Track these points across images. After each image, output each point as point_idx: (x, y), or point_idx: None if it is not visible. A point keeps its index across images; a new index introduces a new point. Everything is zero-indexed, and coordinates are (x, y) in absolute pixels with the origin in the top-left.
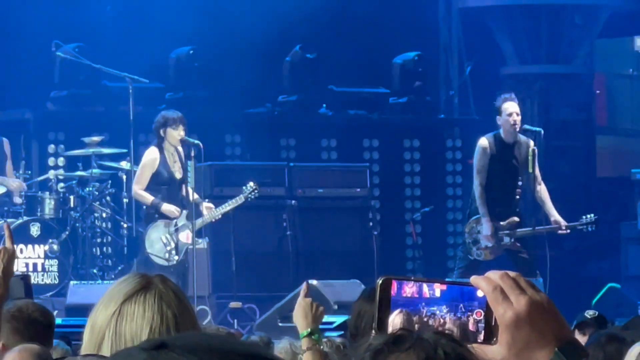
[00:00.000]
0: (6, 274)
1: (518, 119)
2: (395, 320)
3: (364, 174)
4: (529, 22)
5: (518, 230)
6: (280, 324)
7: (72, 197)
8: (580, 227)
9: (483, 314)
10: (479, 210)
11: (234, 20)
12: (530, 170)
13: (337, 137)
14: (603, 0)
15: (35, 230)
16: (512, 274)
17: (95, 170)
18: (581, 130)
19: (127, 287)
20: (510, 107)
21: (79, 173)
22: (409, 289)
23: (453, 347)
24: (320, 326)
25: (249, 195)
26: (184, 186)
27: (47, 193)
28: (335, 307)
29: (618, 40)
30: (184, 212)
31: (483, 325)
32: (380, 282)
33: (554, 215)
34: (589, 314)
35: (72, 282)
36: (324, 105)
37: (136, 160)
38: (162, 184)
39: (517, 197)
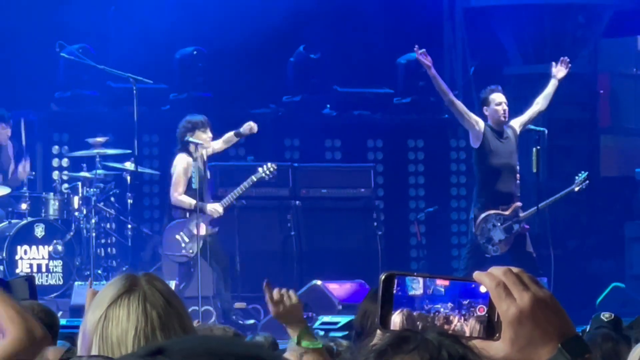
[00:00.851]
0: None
1: (507, 108)
2: (395, 319)
3: (368, 174)
4: (532, 22)
5: (522, 214)
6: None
7: (76, 198)
8: (577, 189)
9: (486, 310)
10: None
11: (238, 20)
12: (535, 170)
13: (341, 138)
14: (607, 0)
15: (39, 231)
16: (515, 269)
17: (100, 171)
18: (585, 129)
19: (112, 291)
20: (499, 97)
21: (83, 174)
22: (413, 286)
23: (457, 348)
24: (324, 326)
25: (265, 171)
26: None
27: (52, 194)
28: (340, 307)
29: (622, 40)
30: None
31: (486, 321)
32: (383, 277)
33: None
34: (605, 316)
35: (76, 283)
36: (328, 105)
37: (140, 162)
38: (193, 186)
39: (517, 181)
